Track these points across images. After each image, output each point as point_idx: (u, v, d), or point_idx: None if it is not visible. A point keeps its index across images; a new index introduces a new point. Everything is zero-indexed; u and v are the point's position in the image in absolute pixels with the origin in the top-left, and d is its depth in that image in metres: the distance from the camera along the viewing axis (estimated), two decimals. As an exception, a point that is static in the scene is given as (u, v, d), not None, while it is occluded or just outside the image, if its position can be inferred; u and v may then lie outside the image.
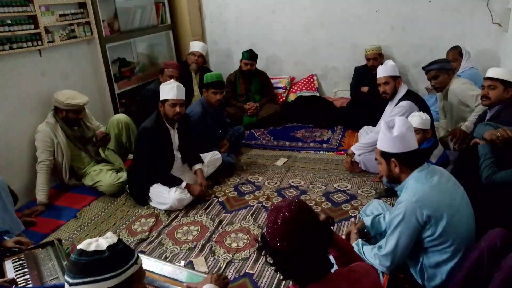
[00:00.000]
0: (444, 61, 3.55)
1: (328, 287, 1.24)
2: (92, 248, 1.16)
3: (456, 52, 4.05)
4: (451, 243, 1.80)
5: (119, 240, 1.22)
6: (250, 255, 2.51)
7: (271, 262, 1.28)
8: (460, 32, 4.44)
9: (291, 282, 1.32)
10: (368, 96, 4.49)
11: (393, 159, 1.90)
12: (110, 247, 1.17)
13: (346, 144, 4.15)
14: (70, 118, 3.39)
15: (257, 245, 1.34)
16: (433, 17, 4.55)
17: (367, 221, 2.30)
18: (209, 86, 3.65)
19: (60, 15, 3.59)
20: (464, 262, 1.77)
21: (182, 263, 2.47)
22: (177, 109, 3.08)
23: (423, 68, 3.58)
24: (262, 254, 1.29)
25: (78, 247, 1.18)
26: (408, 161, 1.89)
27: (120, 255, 1.19)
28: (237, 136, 4.08)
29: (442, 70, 3.43)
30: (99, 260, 1.15)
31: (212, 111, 3.79)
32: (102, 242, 1.19)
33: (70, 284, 1.14)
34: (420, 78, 4.82)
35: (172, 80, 3.33)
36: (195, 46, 4.73)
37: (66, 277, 1.16)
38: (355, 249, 2.04)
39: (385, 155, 1.93)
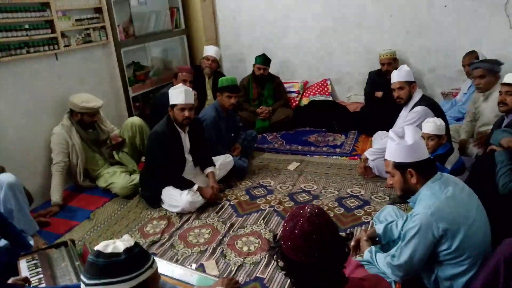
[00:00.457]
0: (495, 62, 3.35)
1: None
2: (109, 250, 1.18)
3: (473, 57, 3.99)
4: (467, 256, 1.74)
5: (136, 244, 1.23)
6: (261, 259, 2.50)
7: (282, 266, 1.26)
8: (477, 37, 4.37)
9: None
10: (383, 101, 4.45)
11: (409, 169, 1.82)
12: (127, 250, 1.19)
13: (360, 149, 4.12)
14: (85, 121, 3.44)
15: (269, 246, 1.32)
16: (449, 22, 4.50)
17: (379, 229, 2.25)
18: (224, 90, 3.66)
19: (76, 20, 3.65)
20: (480, 272, 1.72)
21: (194, 266, 2.47)
22: (186, 113, 3.09)
23: (471, 64, 3.38)
24: (274, 258, 1.27)
25: (96, 248, 1.19)
26: (425, 169, 1.83)
27: (136, 259, 1.20)
28: (249, 140, 4.08)
29: (491, 71, 3.27)
30: (115, 262, 1.16)
31: (225, 115, 3.80)
32: (119, 244, 1.20)
33: (86, 285, 1.16)
34: (435, 83, 4.77)
35: (180, 84, 3.34)
36: (209, 50, 4.76)
37: (82, 277, 1.18)
38: (367, 256, 2.01)
39: (401, 166, 1.85)
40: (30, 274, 2.04)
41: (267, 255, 2.51)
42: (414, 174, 1.82)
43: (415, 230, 1.74)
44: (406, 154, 1.83)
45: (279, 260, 1.26)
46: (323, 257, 1.17)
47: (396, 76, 3.27)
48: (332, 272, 1.22)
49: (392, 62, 4.49)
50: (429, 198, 1.78)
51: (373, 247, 2.07)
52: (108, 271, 1.15)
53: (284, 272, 1.27)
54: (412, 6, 4.62)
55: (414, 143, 1.82)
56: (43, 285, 1.96)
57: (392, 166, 1.89)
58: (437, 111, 3.15)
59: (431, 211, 1.72)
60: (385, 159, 1.95)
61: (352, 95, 5.27)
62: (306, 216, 1.20)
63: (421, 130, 2.80)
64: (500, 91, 2.84)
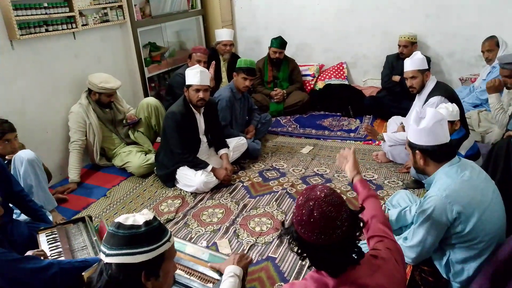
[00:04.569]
0: None
1: (355, 275, 1.22)
2: (129, 222, 1.22)
3: (493, 42, 3.90)
4: (480, 240, 1.74)
5: (155, 217, 1.28)
6: (273, 239, 2.54)
7: (298, 251, 1.25)
8: (499, 21, 4.25)
9: (311, 269, 1.28)
10: (400, 85, 4.39)
11: (417, 151, 1.85)
12: (146, 223, 1.23)
13: (374, 133, 4.09)
14: (103, 100, 3.48)
15: (280, 233, 1.29)
16: (470, 5, 4.39)
17: (393, 214, 2.25)
18: (240, 71, 3.66)
19: (94, -1, 3.66)
20: (493, 258, 1.72)
21: (204, 243, 2.52)
22: (201, 94, 3.10)
23: (500, 63, 3.18)
24: (289, 243, 1.25)
25: (116, 220, 1.23)
26: (433, 155, 1.82)
27: (155, 232, 1.24)
28: (263, 123, 4.09)
29: None
30: (135, 234, 1.20)
31: (240, 97, 3.81)
32: (139, 217, 1.24)
33: (107, 255, 1.20)
34: (454, 68, 4.69)
35: (197, 65, 3.33)
36: (224, 35, 4.72)
37: (102, 248, 1.22)
38: None
39: (411, 146, 1.89)
40: (49, 248, 2.11)
41: (278, 237, 2.56)
42: (421, 157, 1.84)
43: (429, 212, 1.75)
44: (417, 137, 1.85)
45: (293, 245, 1.25)
46: (344, 233, 1.17)
47: (409, 65, 3.15)
48: (351, 248, 1.23)
49: (409, 45, 4.39)
50: (445, 180, 1.78)
51: None
52: (128, 242, 1.19)
53: (302, 256, 1.25)
54: (432, -12, 4.52)
55: (425, 128, 1.80)
56: (63, 257, 2.03)
57: (407, 143, 1.94)
58: (453, 99, 3.07)
59: (446, 193, 1.72)
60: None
61: (368, 79, 5.21)
62: (321, 197, 1.19)
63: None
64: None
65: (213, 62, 4.19)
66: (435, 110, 1.94)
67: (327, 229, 1.16)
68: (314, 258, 1.24)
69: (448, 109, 2.70)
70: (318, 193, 1.21)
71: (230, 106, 3.68)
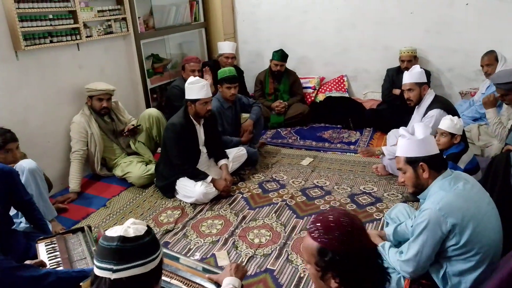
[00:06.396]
0: None
1: None
2: (132, 234, 1.20)
3: (492, 57, 3.93)
4: (476, 252, 1.74)
5: (148, 225, 1.29)
6: (272, 251, 2.54)
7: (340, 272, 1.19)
8: (499, 36, 4.29)
9: None
10: (400, 98, 4.42)
11: (421, 164, 1.84)
12: (147, 231, 1.24)
13: (374, 146, 4.10)
14: (94, 106, 3.50)
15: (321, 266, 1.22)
16: (470, 21, 4.43)
17: (389, 230, 2.24)
18: (223, 81, 3.71)
19: (98, 11, 3.71)
20: (496, 273, 1.69)
21: (197, 256, 2.52)
22: (209, 106, 3.17)
23: (495, 83, 3.19)
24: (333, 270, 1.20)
25: (116, 235, 1.19)
26: (436, 164, 1.85)
27: (155, 238, 1.27)
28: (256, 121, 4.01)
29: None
30: (142, 244, 1.20)
31: (231, 105, 3.84)
32: (137, 227, 1.23)
33: (114, 271, 1.16)
34: (454, 82, 4.72)
35: (197, 78, 3.30)
36: (226, 48, 4.77)
37: (106, 265, 1.16)
38: (380, 250, 2.01)
39: (412, 161, 1.87)
40: (48, 257, 2.12)
41: (278, 248, 2.56)
42: (426, 168, 1.84)
43: (423, 225, 1.76)
44: (418, 149, 1.86)
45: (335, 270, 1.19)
46: (365, 245, 1.21)
47: (407, 77, 3.21)
48: (376, 263, 1.22)
49: (412, 60, 4.44)
50: (438, 193, 1.79)
51: (387, 243, 2.07)
52: (138, 253, 1.18)
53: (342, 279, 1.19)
54: (432, 4, 4.56)
55: (425, 138, 1.85)
56: (61, 267, 2.03)
57: (403, 162, 1.91)
58: (451, 111, 3.09)
59: (439, 206, 1.73)
60: (396, 156, 1.96)
61: (368, 92, 5.24)
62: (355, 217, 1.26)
63: (436, 132, 2.80)
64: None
65: (207, 68, 4.23)
66: (422, 123, 1.99)
67: (358, 235, 1.19)
68: (355, 269, 1.18)
69: (452, 121, 2.72)
70: (350, 213, 1.27)
71: (220, 116, 3.72)
